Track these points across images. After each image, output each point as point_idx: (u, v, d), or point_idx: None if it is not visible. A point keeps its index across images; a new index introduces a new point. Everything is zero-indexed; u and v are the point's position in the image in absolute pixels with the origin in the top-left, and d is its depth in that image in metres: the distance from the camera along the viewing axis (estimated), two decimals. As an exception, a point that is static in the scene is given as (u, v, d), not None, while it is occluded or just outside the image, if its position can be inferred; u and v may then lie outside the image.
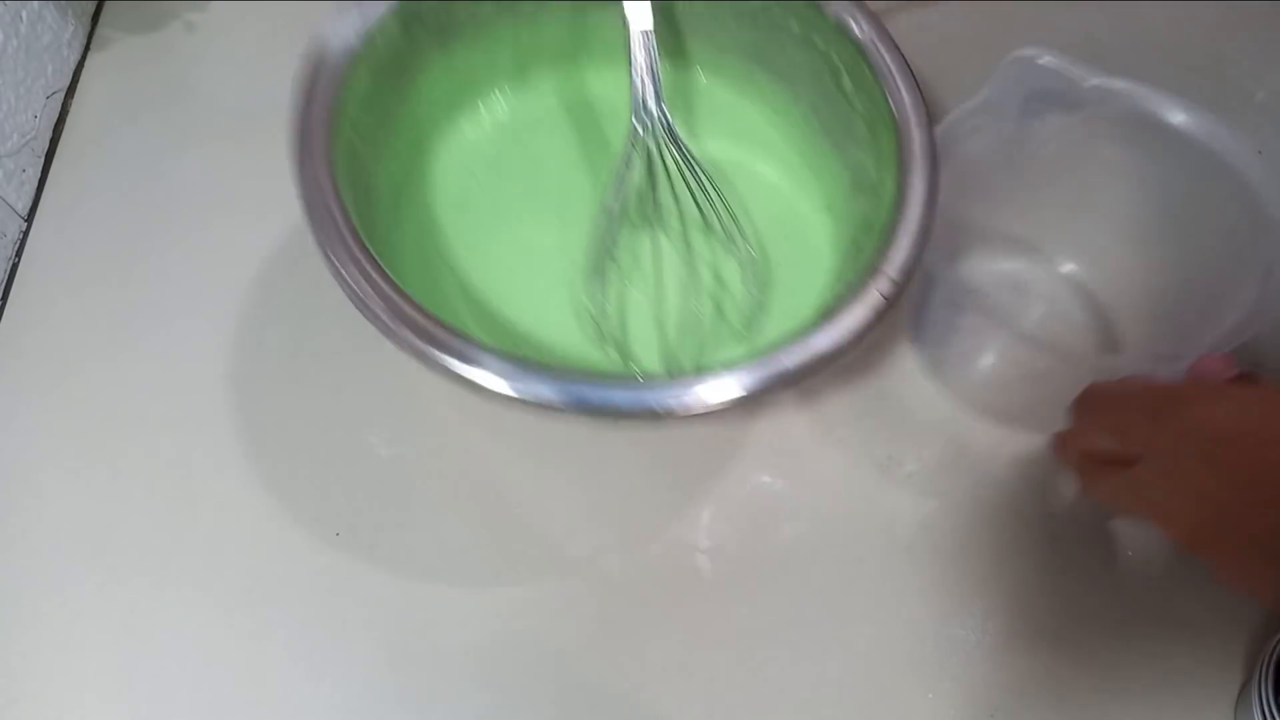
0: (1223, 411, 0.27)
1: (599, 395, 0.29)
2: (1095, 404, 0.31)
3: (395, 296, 0.30)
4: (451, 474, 0.39)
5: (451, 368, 0.29)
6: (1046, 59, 0.33)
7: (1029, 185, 0.37)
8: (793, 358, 0.30)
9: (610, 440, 0.39)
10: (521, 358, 0.30)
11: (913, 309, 0.41)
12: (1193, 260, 0.36)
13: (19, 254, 0.43)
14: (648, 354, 0.38)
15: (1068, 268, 0.41)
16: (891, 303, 0.31)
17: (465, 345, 0.29)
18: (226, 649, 0.36)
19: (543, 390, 0.29)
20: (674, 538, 0.38)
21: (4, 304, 0.42)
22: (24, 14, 0.43)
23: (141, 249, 0.43)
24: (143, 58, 0.48)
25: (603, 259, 0.38)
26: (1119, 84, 0.34)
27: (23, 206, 0.43)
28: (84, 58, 0.48)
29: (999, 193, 0.38)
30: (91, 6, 0.48)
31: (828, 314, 0.31)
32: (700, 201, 0.38)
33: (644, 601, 0.37)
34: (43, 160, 0.45)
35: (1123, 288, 0.40)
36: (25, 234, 0.43)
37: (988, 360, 0.38)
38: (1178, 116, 0.34)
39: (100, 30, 0.48)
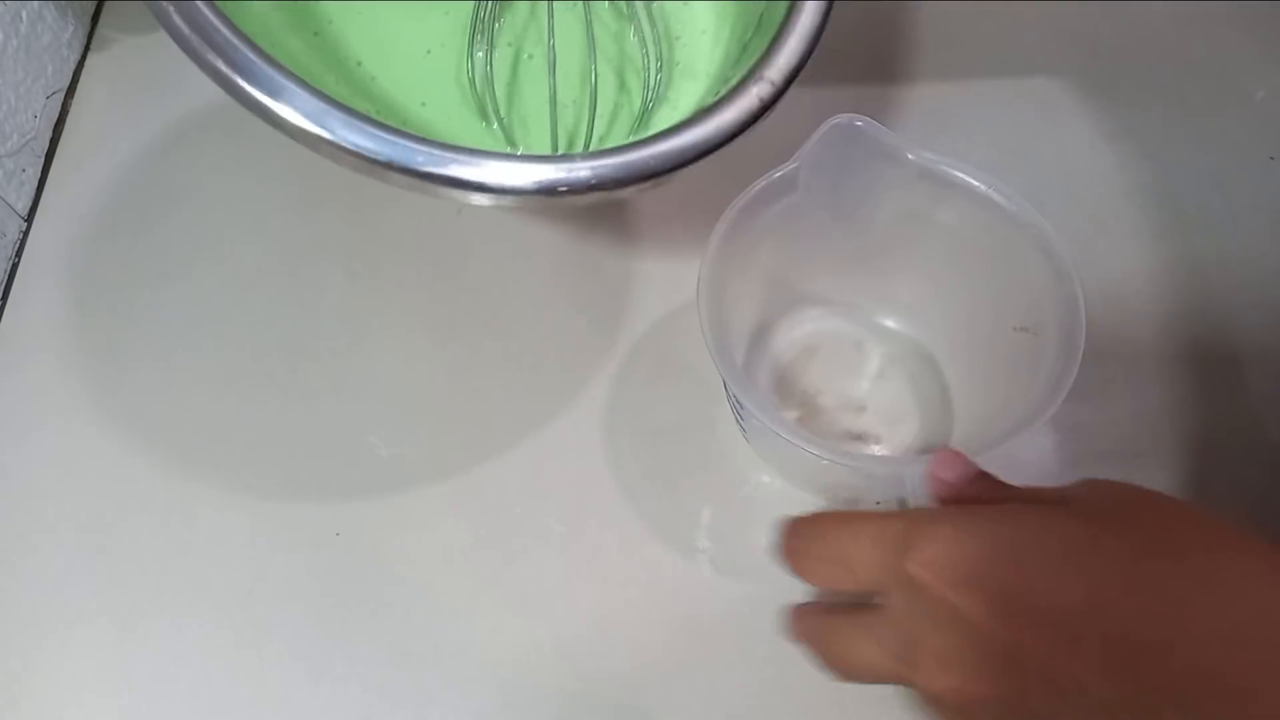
0: (952, 554, 0.23)
1: (417, 157, 0.27)
2: (816, 531, 0.27)
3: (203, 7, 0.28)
4: (452, 473, 0.39)
5: (254, 96, 0.27)
6: (862, 124, 0.33)
7: (866, 248, 0.37)
8: (650, 151, 0.29)
9: (616, 444, 0.39)
10: (337, 100, 0.27)
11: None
12: (1016, 339, 0.36)
13: (19, 254, 0.43)
14: (539, 136, 0.36)
15: (905, 330, 0.41)
16: (769, 106, 0.31)
17: (274, 73, 0.27)
18: (226, 649, 0.36)
19: (353, 137, 0.27)
20: (674, 537, 0.38)
21: (4, 304, 0.42)
22: (24, 14, 0.43)
23: (141, 249, 0.43)
24: (143, 58, 0.48)
25: (489, 15, 0.35)
26: (935, 157, 0.34)
27: (23, 206, 0.43)
28: (84, 58, 0.48)
29: (833, 256, 0.38)
30: (91, 6, 0.48)
31: (698, 114, 0.30)
32: None
33: (644, 600, 0.37)
34: (43, 160, 0.45)
35: (960, 358, 0.40)
36: (25, 234, 0.43)
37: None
38: (994, 194, 0.34)
39: (100, 30, 0.48)
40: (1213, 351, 0.41)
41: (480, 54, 0.35)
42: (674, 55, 0.37)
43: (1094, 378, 0.36)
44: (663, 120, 0.36)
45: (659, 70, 0.37)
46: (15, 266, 0.42)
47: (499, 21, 0.36)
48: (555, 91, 0.36)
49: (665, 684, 0.36)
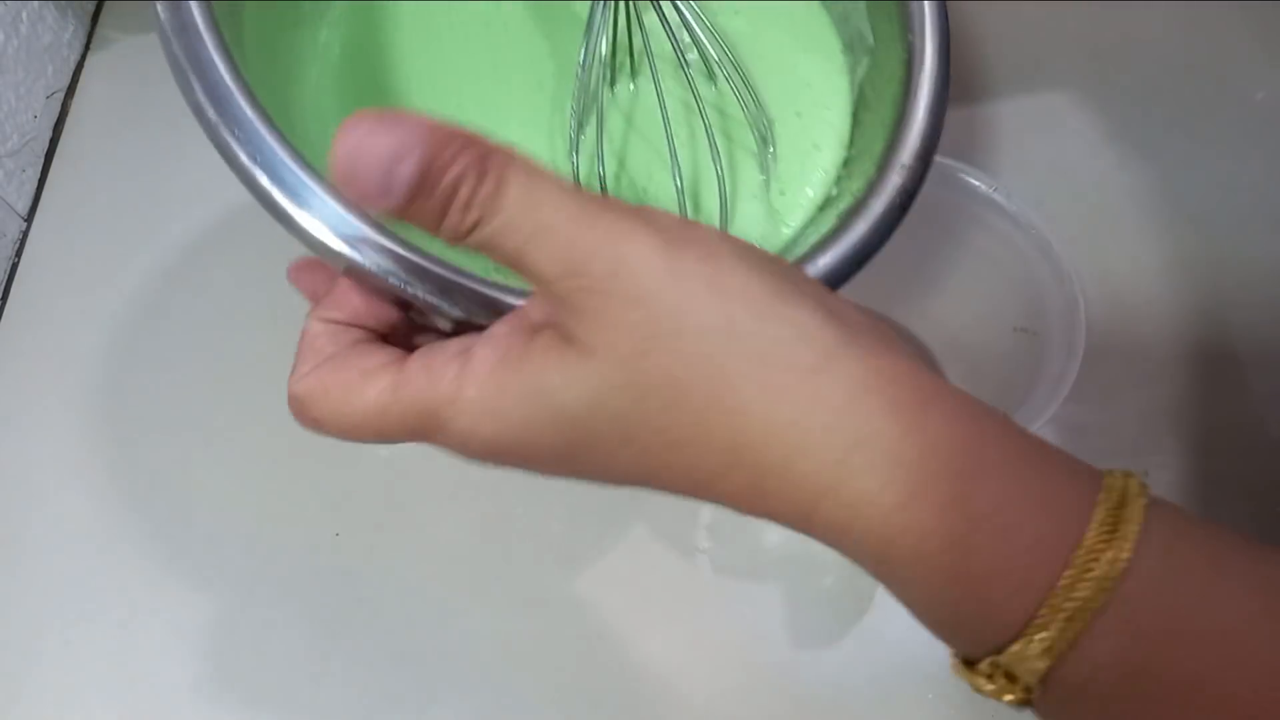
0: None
1: (455, 282, 0.22)
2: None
3: (236, 93, 0.24)
4: (451, 473, 0.39)
5: (270, 196, 0.24)
6: None
7: (881, 257, 0.37)
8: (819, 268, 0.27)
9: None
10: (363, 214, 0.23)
11: None
12: (1016, 339, 0.36)
13: (19, 254, 0.43)
14: None
15: (906, 329, 0.40)
16: (913, 193, 0.28)
17: (303, 175, 0.23)
18: (226, 649, 0.36)
19: (373, 255, 0.22)
20: (674, 537, 0.38)
21: (4, 304, 0.42)
22: (24, 14, 0.43)
23: (141, 249, 0.43)
24: (143, 58, 0.48)
25: (587, 111, 0.32)
26: (936, 158, 0.34)
27: (23, 206, 0.43)
28: (84, 58, 0.48)
29: None
30: (91, 6, 0.48)
31: (845, 220, 0.28)
32: (702, 47, 0.32)
33: (645, 601, 0.37)
34: (43, 160, 0.45)
35: (960, 358, 0.39)
36: (25, 234, 0.43)
37: None
38: (995, 195, 0.34)
39: (100, 30, 0.48)
40: (1214, 351, 0.41)
41: (586, 157, 0.32)
42: (778, 148, 0.34)
43: (1095, 378, 0.36)
44: (789, 215, 0.33)
45: (773, 172, 0.33)
46: (15, 266, 0.42)
47: (596, 115, 0.32)
48: (684, 208, 0.32)
49: (665, 684, 0.36)
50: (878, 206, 0.28)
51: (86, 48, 0.48)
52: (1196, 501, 0.38)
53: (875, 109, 0.31)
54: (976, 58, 0.49)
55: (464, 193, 0.19)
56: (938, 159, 0.34)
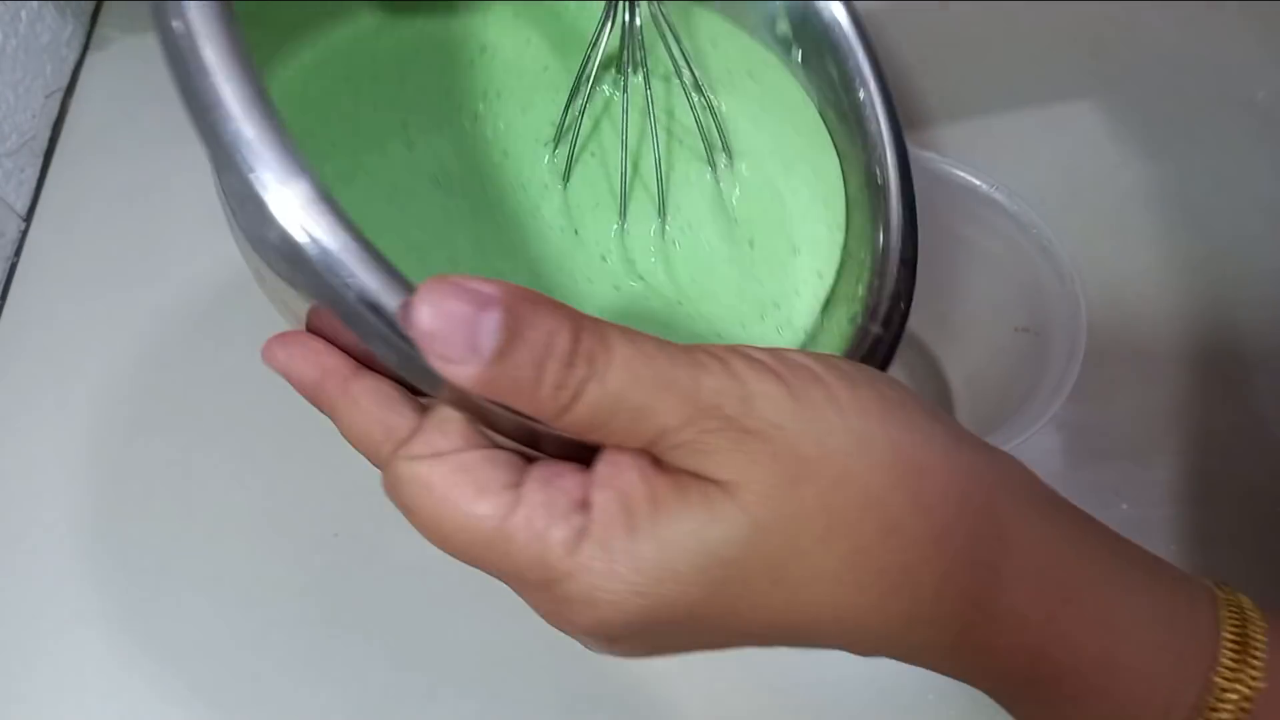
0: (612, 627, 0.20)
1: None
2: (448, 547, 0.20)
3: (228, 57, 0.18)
4: (451, 474, 0.39)
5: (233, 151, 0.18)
6: None
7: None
8: None
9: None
10: (336, 206, 0.19)
11: None
12: (1017, 339, 0.36)
13: (18, 254, 0.43)
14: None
15: (906, 329, 0.41)
16: (910, 294, 0.29)
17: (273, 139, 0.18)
18: (225, 649, 0.36)
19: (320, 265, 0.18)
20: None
21: (3, 304, 0.42)
22: (23, 13, 0.43)
23: (141, 249, 0.43)
24: (142, 57, 0.48)
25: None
26: (937, 157, 0.34)
27: (22, 206, 0.43)
28: (83, 57, 0.48)
29: None
30: (90, 6, 0.48)
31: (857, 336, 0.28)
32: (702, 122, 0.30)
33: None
34: (41, 160, 0.45)
35: (961, 358, 0.40)
36: (24, 234, 0.43)
37: None
38: (996, 194, 0.34)
39: (99, 30, 0.48)
40: (1216, 351, 0.41)
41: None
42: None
43: (1095, 377, 0.36)
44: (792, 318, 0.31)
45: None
46: (14, 266, 0.42)
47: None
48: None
49: (665, 684, 0.36)
50: (884, 308, 0.28)
51: (85, 47, 0.48)
52: (1196, 501, 0.38)
53: (857, 204, 0.31)
54: (977, 58, 0.49)
55: (561, 346, 0.17)
56: (938, 158, 0.34)
